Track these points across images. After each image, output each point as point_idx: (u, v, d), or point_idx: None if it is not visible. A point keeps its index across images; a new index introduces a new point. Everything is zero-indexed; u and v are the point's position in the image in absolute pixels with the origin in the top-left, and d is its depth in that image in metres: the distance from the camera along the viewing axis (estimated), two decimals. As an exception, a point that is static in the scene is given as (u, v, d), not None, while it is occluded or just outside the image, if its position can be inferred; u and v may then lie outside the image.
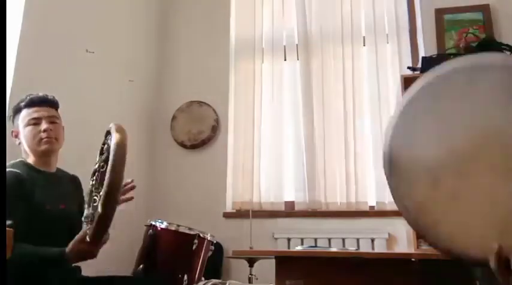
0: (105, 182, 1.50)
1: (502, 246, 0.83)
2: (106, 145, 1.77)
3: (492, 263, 0.83)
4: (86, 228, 1.64)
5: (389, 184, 1.04)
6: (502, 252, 0.83)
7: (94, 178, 1.79)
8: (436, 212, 0.95)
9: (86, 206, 1.77)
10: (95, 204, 1.74)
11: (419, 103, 1.02)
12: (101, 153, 1.82)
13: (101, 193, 1.50)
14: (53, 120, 1.85)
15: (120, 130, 1.60)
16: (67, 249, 1.62)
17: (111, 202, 1.50)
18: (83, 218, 1.75)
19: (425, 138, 1.00)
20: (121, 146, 1.54)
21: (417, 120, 1.02)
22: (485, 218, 0.88)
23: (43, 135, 1.80)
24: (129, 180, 1.80)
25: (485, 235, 0.86)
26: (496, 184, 0.89)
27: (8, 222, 1.52)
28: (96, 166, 1.81)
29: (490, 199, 0.89)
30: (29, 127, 1.81)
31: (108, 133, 1.77)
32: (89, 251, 1.63)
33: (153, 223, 1.94)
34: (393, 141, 1.04)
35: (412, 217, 0.99)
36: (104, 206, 1.49)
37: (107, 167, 1.73)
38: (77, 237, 1.62)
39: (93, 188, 1.78)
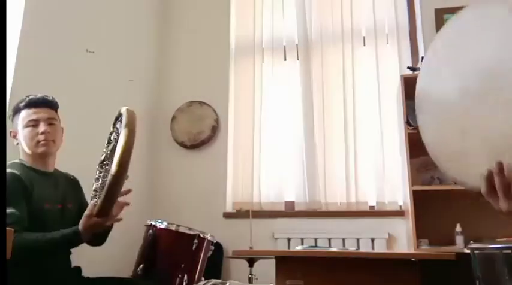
0: (117, 150, 1.55)
1: (491, 171, 0.87)
2: (114, 134, 1.78)
3: (482, 188, 0.88)
4: (93, 202, 1.67)
5: (418, 120, 1.10)
6: (491, 176, 0.87)
7: (102, 169, 1.80)
8: (450, 146, 1.00)
9: (92, 193, 1.79)
10: (104, 179, 1.75)
11: (446, 39, 1.05)
12: (108, 142, 1.82)
13: (111, 165, 1.54)
14: (51, 122, 1.85)
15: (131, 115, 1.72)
16: (80, 226, 1.64)
17: (121, 170, 1.53)
18: (91, 194, 1.76)
19: (446, 75, 1.04)
20: (132, 119, 1.68)
21: (440, 57, 1.06)
22: (482, 148, 0.93)
23: (40, 137, 1.80)
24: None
25: (480, 163, 0.90)
26: (494, 117, 0.92)
27: (12, 210, 1.55)
28: (103, 156, 1.82)
29: (487, 131, 0.93)
30: (28, 129, 1.81)
31: (117, 119, 1.78)
32: (101, 223, 1.65)
33: (153, 223, 1.94)
34: (421, 78, 1.10)
35: (432, 149, 1.05)
36: (114, 173, 1.52)
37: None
38: (85, 213, 1.65)
39: (101, 177, 1.80)
